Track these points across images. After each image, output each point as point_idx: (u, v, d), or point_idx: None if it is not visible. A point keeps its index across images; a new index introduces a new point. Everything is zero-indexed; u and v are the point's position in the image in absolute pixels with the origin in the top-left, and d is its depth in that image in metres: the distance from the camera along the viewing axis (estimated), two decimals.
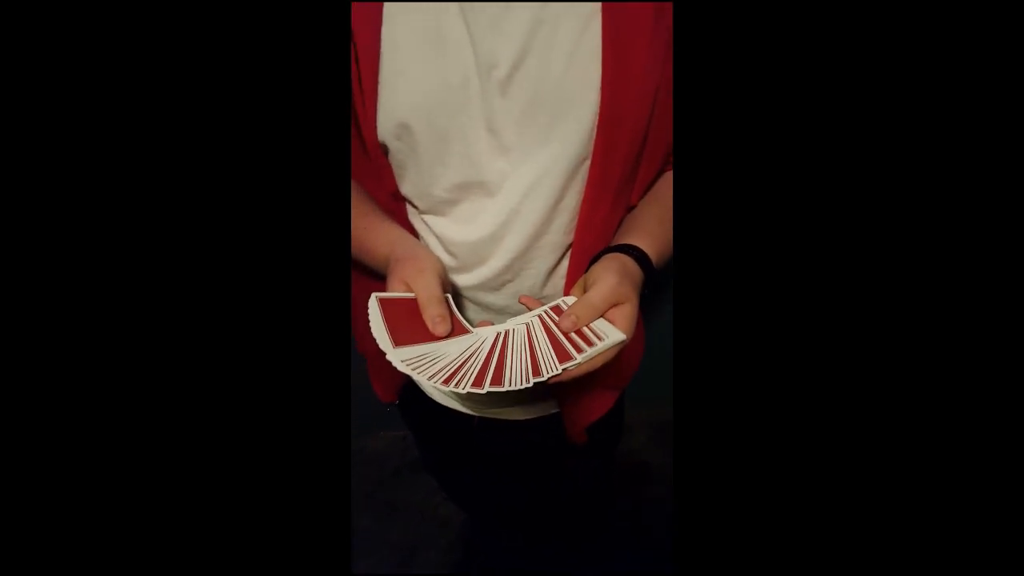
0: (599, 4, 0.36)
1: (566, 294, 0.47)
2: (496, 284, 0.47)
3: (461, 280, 0.47)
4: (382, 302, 0.38)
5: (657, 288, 0.43)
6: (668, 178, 0.48)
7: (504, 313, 0.49)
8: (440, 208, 0.44)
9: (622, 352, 0.39)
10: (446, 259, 0.47)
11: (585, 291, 0.40)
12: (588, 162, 0.41)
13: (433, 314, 0.38)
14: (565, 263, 0.47)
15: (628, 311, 0.39)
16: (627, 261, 0.41)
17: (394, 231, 0.45)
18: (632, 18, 0.36)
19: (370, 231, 0.44)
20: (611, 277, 0.39)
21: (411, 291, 0.39)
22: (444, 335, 0.38)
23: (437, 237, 0.46)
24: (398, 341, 0.37)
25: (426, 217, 0.45)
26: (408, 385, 0.57)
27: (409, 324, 0.39)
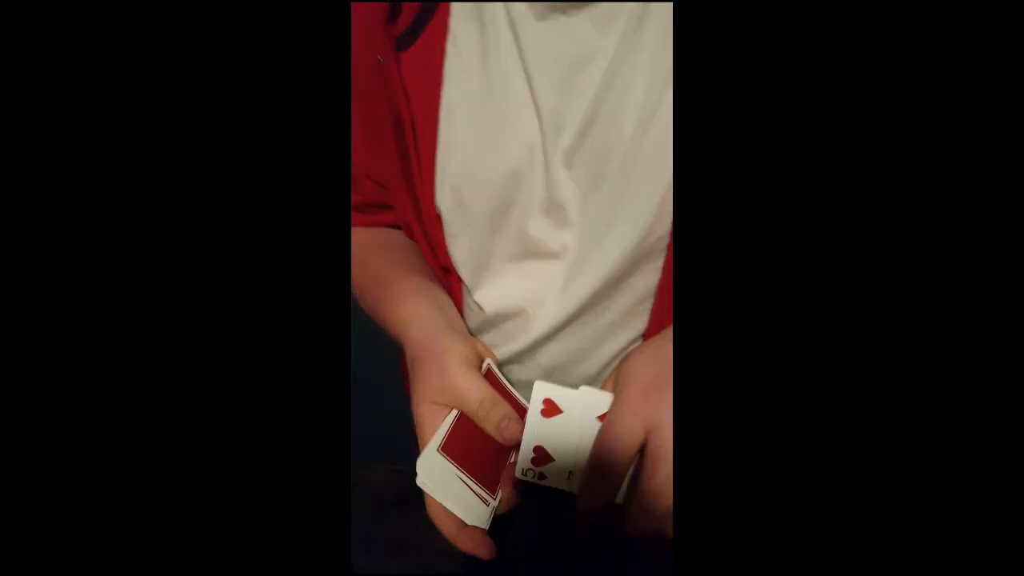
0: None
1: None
2: (546, 364, 0.42)
3: (505, 351, 0.43)
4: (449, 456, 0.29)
5: None
6: None
7: None
8: (491, 278, 0.41)
9: None
10: (488, 329, 0.42)
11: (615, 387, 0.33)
12: (665, 243, 0.36)
13: (496, 419, 0.30)
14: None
15: (663, 436, 0.27)
16: (665, 346, 0.31)
17: (412, 306, 0.39)
18: None
19: (391, 304, 0.39)
20: (635, 395, 0.27)
21: (449, 407, 0.31)
22: (516, 438, 0.29)
23: (484, 312, 0.42)
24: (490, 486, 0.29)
25: (476, 295, 0.42)
26: None
27: (473, 448, 0.29)
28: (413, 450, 0.54)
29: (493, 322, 0.43)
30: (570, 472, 0.28)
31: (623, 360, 0.33)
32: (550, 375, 0.42)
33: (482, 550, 0.29)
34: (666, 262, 0.36)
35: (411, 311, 0.38)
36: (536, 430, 0.28)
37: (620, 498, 0.25)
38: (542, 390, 0.30)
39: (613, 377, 0.33)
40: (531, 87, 0.33)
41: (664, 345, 0.31)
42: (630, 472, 0.26)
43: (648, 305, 0.39)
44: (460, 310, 0.45)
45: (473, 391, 0.31)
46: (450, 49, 0.34)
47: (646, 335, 0.40)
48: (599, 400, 0.28)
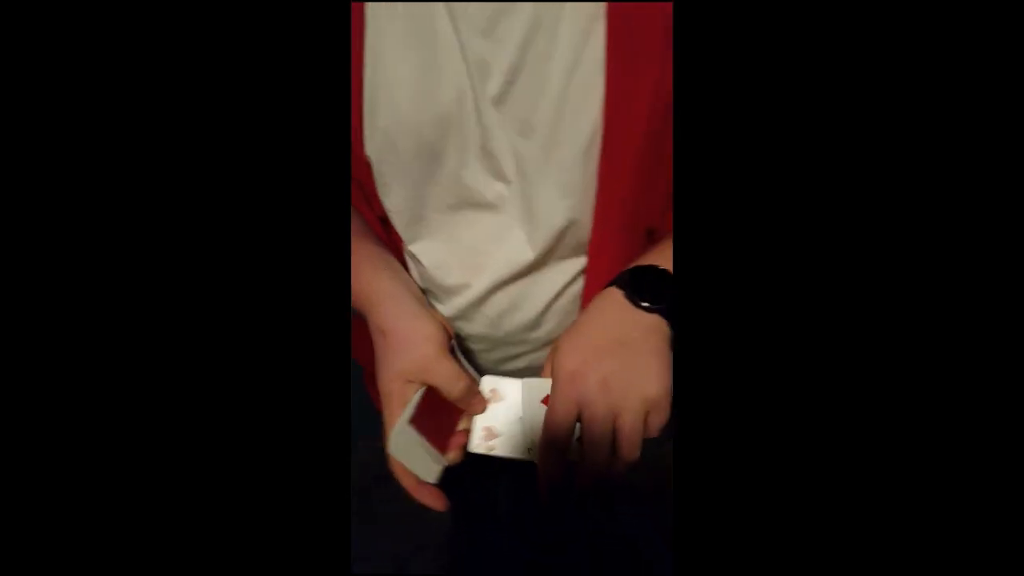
0: (603, 5, 0.31)
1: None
2: (492, 314, 0.43)
3: (449, 307, 0.44)
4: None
5: None
6: None
7: (504, 347, 0.46)
8: (427, 230, 0.40)
9: None
10: (430, 285, 0.43)
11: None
12: (595, 188, 0.37)
13: (471, 402, 0.34)
14: (571, 292, 0.43)
15: (591, 417, 0.31)
16: (595, 308, 0.35)
17: (378, 285, 0.39)
18: (642, 22, 0.31)
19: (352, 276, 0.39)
20: (565, 380, 0.32)
21: (419, 385, 0.35)
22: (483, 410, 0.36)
23: (423, 265, 0.42)
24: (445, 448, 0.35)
25: (412, 247, 0.42)
26: None
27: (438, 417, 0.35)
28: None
29: (433, 277, 0.43)
30: (529, 448, 0.34)
31: (554, 348, 0.36)
32: (495, 324, 0.44)
33: (437, 503, 0.36)
34: (597, 204, 0.37)
35: (377, 288, 0.38)
36: (485, 413, 0.36)
37: (573, 455, 0.32)
38: (488, 382, 0.37)
39: (549, 364, 0.37)
40: (456, 30, 0.32)
41: (586, 330, 0.34)
42: (576, 437, 0.32)
43: (582, 249, 0.40)
44: (404, 263, 0.44)
45: (454, 378, 0.35)
46: None
47: (586, 276, 0.41)
48: (541, 386, 0.34)
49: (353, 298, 0.40)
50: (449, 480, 0.42)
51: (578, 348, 0.33)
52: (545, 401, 0.34)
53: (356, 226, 0.42)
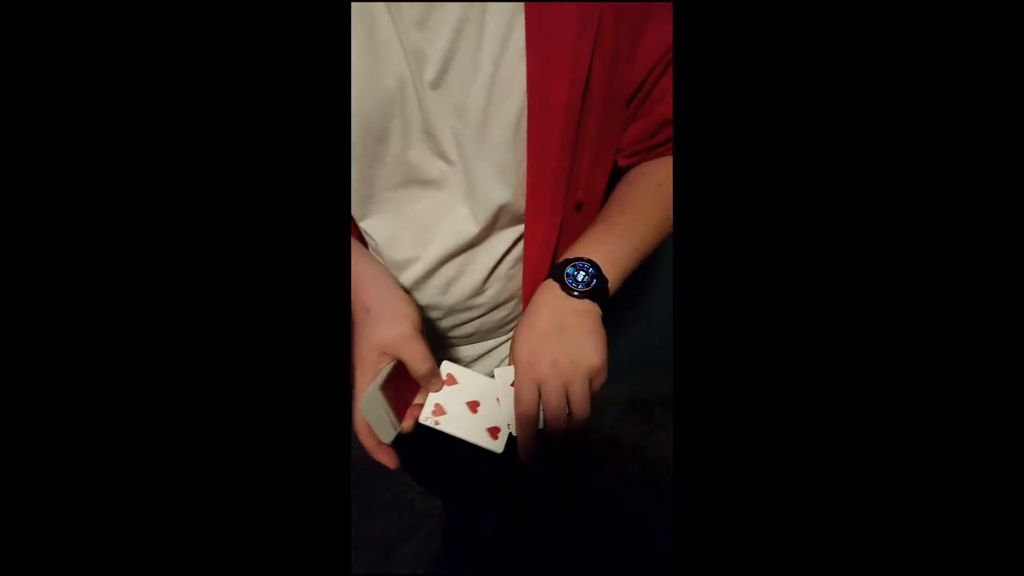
0: (522, 3, 0.36)
1: (525, 298, 0.48)
2: (440, 283, 0.47)
3: (402, 280, 0.47)
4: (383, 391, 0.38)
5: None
6: (634, 175, 0.47)
7: (453, 315, 0.50)
8: (376, 208, 0.44)
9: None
10: (381, 259, 0.47)
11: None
12: (524, 165, 0.41)
13: (431, 382, 0.39)
14: (510, 259, 0.48)
15: (548, 391, 0.38)
16: (546, 300, 0.40)
17: (361, 266, 0.43)
18: (555, 16, 0.36)
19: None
20: (524, 368, 0.39)
21: (392, 358, 0.39)
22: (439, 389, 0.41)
23: (375, 240, 0.46)
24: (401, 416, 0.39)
25: (363, 224, 0.46)
26: None
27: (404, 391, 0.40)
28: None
29: (384, 252, 0.47)
30: (508, 423, 0.40)
31: (512, 341, 0.42)
32: (443, 292, 0.48)
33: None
34: (528, 179, 0.42)
35: (360, 269, 0.43)
36: (439, 393, 0.42)
37: (540, 424, 0.39)
38: (446, 367, 0.42)
39: (511, 356, 0.43)
40: (394, 22, 0.36)
41: (533, 321, 0.41)
42: (540, 411, 0.39)
43: (519, 219, 0.45)
44: (360, 239, 0.48)
45: (421, 358, 0.39)
46: None
47: (524, 243, 0.46)
48: (510, 373, 0.41)
49: None
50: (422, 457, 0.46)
51: (529, 338, 0.40)
52: (512, 385, 0.41)
53: None
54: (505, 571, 1.04)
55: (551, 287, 0.41)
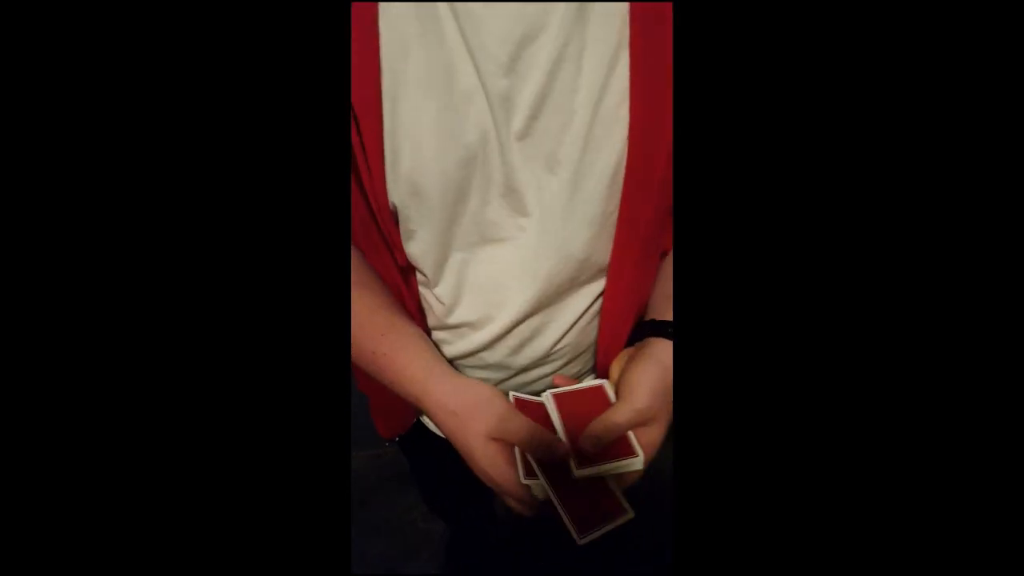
0: (626, 34, 0.32)
1: (599, 364, 0.46)
2: (514, 343, 0.44)
3: (470, 343, 0.44)
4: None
5: None
6: None
7: (523, 374, 0.47)
8: (449, 272, 0.41)
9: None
10: (451, 323, 0.44)
11: (620, 382, 0.40)
12: (615, 216, 0.37)
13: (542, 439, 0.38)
14: (589, 314, 0.45)
15: (654, 433, 0.38)
16: (668, 359, 0.39)
17: (423, 361, 0.41)
18: (664, 49, 0.32)
19: (395, 357, 0.41)
20: (644, 392, 0.38)
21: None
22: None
23: (444, 305, 0.43)
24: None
25: (436, 290, 0.42)
26: (416, 426, 0.57)
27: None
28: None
29: (455, 316, 0.43)
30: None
31: (628, 367, 0.40)
32: (517, 352, 0.45)
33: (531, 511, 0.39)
34: (618, 230, 0.38)
35: (423, 368, 0.42)
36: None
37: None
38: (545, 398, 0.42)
39: (619, 365, 0.42)
40: (477, 69, 0.32)
41: (659, 356, 0.40)
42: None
43: (601, 274, 0.42)
44: (418, 307, 0.45)
45: (529, 431, 0.38)
46: (384, 28, 0.32)
47: (604, 300, 0.44)
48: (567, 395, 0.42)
49: (392, 376, 0.42)
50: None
51: (656, 392, 0.39)
52: (569, 406, 0.40)
53: (382, 299, 0.43)
54: None
55: (665, 359, 0.40)
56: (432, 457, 0.59)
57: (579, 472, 0.37)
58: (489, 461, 0.38)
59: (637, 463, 0.38)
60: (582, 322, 0.44)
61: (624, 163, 0.34)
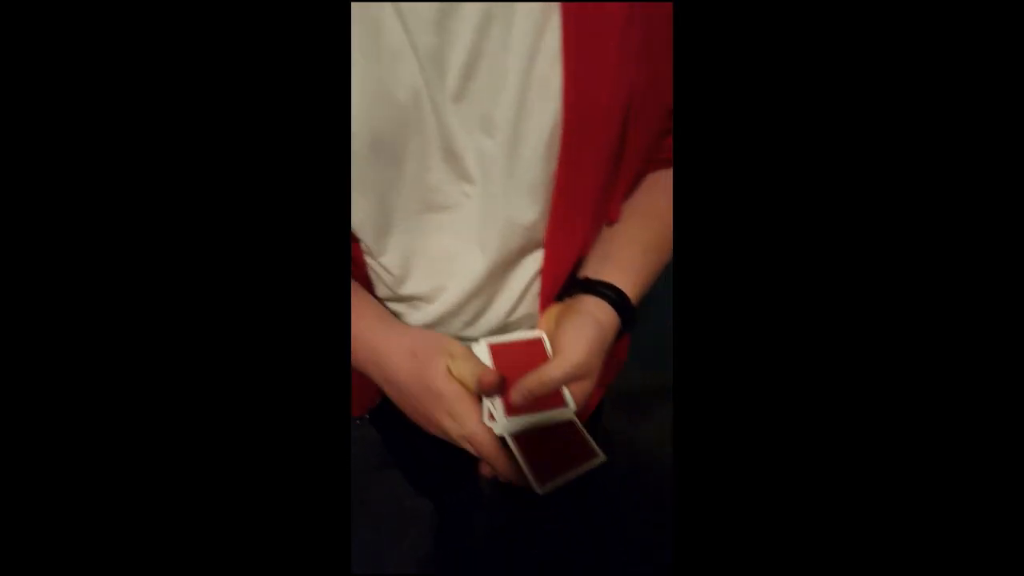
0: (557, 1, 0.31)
1: (540, 315, 0.45)
2: (468, 316, 0.43)
3: (425, 315, 0.43)
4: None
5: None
6: (651, 184, 0.44)
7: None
8: (394, 240, 0.40)
9: (614, 352, 0.39)
10: (404, 295, 0.43)
11: (555, 335, 0.39)
12: (554, 181, 0.37)
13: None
14: (533, 290, 0.44)
15: (586, 387, 0.38)
16: (604, 319, 0.39)
17: (377, 310, 0.41)
18: (596, 15, 0.31)
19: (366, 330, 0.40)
20: (581, 349, 0.37)
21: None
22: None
23: (394, 276, 0.41)
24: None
25: (382, 259, 0.41)
26: (383, 403, 0.54)
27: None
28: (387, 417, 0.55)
29: (407, 287, 0.42)
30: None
31: (562, 323, 0.40)
32: (471, 324, 0.44)
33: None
34: (555, 196, 0.37)
35: (375, 323, 0.41)
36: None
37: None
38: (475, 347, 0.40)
39: (552, 316, 0.41)
40: (405, 25, 0.31)
41: (594, 314, 0.39)
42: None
43: (540, 241, 0.41)
44: (366, 277, 0.44)
45: (481, 367, 0.37)
46: None
47: (543, 270, 0.43)
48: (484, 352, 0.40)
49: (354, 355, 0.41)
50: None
51: (592, 352, 0.38)
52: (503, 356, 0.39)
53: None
54: (498, 569, 1.04)
55: (606, 309, 0.40)
56: (404, 432, 0.57)
57: (508, 421, 0.36)
58: (453, 398, 0.36)
59: (568, 412, 0.37)
60: (533, 289, 0.44)
61: (560, 127, 0.34)
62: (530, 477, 0.34)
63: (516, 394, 0.35)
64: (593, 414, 0.59)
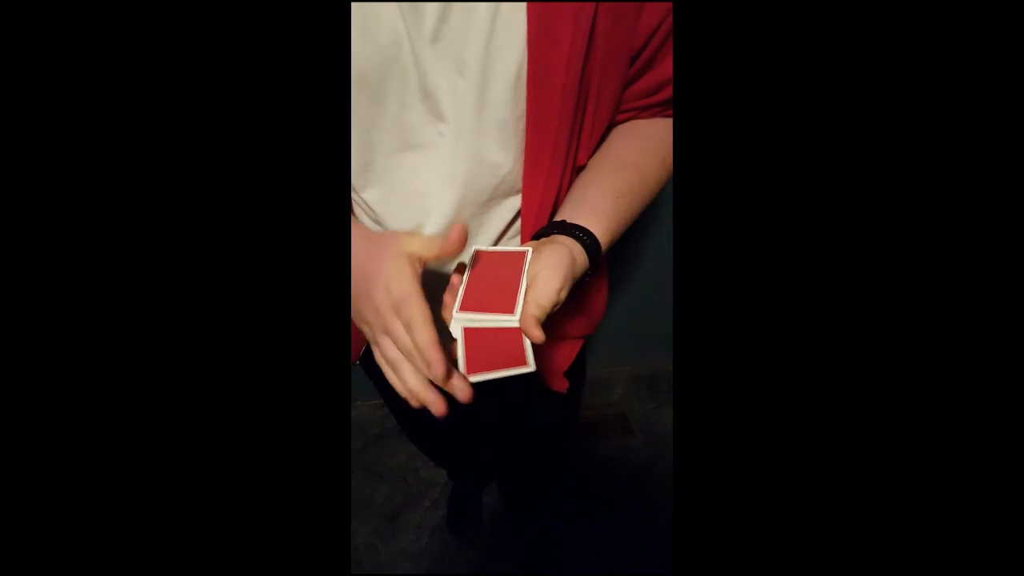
0: None
1: None
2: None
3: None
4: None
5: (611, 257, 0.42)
6: (621, 132, 0.46)
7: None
8: (376, 176, 0.43)
9: (591, 305, 0.40)
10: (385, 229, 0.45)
11: (532, 258, 0.39)
12: (523, 121, 0.39)
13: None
14: (514, 231, 0.46)
15: (543, 305, 0.39)
16: (577, 254, 0.40)
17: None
18: None
19: None
20: (555, 280, 0.38)
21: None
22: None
23: (376, 212, 0.44)
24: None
25: (364, 195, 0.44)
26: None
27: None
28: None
29: (387, 223, 0.45)
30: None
31: (538, 254, 0.40)
32: (448, 262, 0.46)
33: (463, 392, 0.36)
34: (527, 136, 0.40)
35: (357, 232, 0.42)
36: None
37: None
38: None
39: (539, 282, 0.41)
40: None
41: (567, 250, 0.39)
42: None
43: (518, 179, 0.43)
44: (352, 212, 0.46)
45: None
46: None
47: (523, 211, 0.44)
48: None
49: None
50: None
51: (566, 287, 0.39)
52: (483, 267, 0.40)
53: None
54: (509, 540, 1.06)
55: (579, 249, 0.41)
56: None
57: (451, 318, 0.37)
58: (394, 272, 0.35)
59: (513, 320, 0.37)
60: (509, 235, 0.47)
61: (525, 67, 0.36)
62: (462, 361, 0.35)
63: (527, 325, 0.36)
64: (575, 363, 0.59)
